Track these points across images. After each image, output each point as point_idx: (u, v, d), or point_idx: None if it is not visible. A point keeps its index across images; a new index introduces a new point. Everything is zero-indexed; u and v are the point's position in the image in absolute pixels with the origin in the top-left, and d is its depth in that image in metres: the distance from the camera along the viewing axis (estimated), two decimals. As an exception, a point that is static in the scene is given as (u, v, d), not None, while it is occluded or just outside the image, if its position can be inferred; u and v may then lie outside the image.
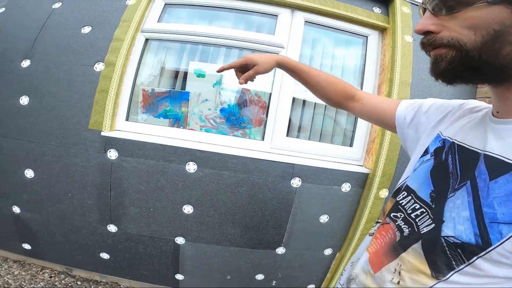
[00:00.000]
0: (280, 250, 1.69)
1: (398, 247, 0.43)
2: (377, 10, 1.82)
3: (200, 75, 1.78)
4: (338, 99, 0.77)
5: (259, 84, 1.78)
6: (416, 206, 0.44)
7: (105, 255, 1.70)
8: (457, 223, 0.36)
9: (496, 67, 0.36)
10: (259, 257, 1.70)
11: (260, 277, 1.75)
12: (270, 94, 1.73)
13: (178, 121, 1.74)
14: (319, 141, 1.81)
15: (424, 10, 0.42)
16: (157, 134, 1.63)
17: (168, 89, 1.76)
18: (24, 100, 1.62)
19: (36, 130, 1.60)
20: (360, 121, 1.77)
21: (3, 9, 1.85)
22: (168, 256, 1.67)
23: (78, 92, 1.59)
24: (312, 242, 1.71)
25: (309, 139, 1.80)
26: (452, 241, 0.35)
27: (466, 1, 0.36)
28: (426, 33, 0.40)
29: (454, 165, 0.43)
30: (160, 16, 1.79)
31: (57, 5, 1.78)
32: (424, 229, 0.40)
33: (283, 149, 1.67)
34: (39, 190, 1.63)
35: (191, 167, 1.55)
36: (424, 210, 0.42)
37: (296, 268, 1.77)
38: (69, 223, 1.65)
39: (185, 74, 1.80)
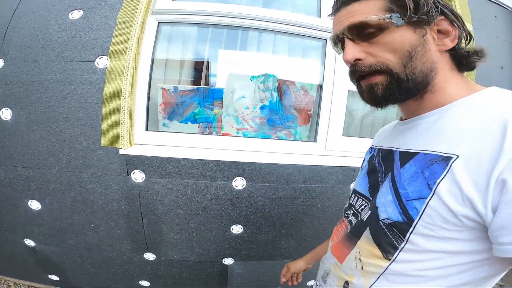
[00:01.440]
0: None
1: (353, 236, 0.48)
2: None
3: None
4: None
5: (307, 75, 1.42)
6: (360, 201, 0.51)
7: (145, 283, 1.46)
8: (386, 206, 0.41)
9: (415, 85, 0.41)
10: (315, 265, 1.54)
11: (311, 283, 1.62)
12: (321, 86, 1.39)
13: (210, 125, 1.38)
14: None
15: (338, 41, 0.46)
16: (190, 145, 1.29)
17: (196, 86, 1.37)
18: (6, 114, 1.20)
19: (31, 152, 1.21)
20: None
21: None
22: (215, 277, 1.46)
23: (78, 97, 1.17)
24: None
25: (370, 137, 1.52)
26: (387, 222, 0.40)
27: (381, 27, 0.40)
28: (355, 61, 0.43)
29: (379, 164, 0.50)
30: (172, -11, 1.31)
31: None
32: (364, 216, 0.46)
33: (341, 150, 1.39)
34: (51, 222, 1.30)
35: (239, 183, 1.26)
36: (365, 203, 0.49)
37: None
38: (97, 253, 1.36)
39: (211, 65, 1.40)
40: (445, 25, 0.42)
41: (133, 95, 1.22)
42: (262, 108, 1.38)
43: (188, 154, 1.21)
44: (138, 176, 1.22)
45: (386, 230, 0.40)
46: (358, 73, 0.43)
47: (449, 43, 0.42)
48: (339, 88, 1.35)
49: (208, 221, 1.29)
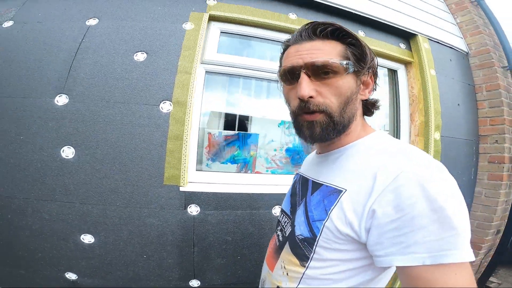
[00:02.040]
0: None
1: (278, 249, 0.57)
2: (402, 45, 2.02)
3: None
4: None
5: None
6: (285, 219, 0.61)
7: (183, 311, 1.55)
8: (300, 225, 0.50)
9: (342, 127, 0.48)
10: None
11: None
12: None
13: (247, 165, 1.63)
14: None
15: (290, 73, 0.49)
16: (234, 182, 1.52)
17: (237, 132, 1.62)
18: (67, 152, 1.27)
19: (92, 190, 1.28)
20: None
21: (11, 23, 1.35)
22: (250, 297, 1.63)
23: (145, 140, 1.32)
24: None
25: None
26: (301, 238, 0.49)
27: (338, 71, 0.46)
28: (308, 98, 0.47)
29: (299, 188, 0.60)
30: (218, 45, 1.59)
31: (92, 22, 1.39)
32: (287, 232, 0.56)
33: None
34: (103, 255, 1.34)
35: (277, 210, 1.51)
36: (288, 221, 0.58)
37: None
38: (144, 284, 1.42)
39: (247, 111, 1.68)
40: (369, 77, 0.51)
41: (189, 139, 1.42)
42: (287, 150, 1.70)
43: (234, 189, 1.43)
44: (193, 209, 1.38)
45: (299, 243, 0.49)
46: (306, 109, 0.47)
47: (367, 94, 0.52)
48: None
49: (252, 244, 1.50)
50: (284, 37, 1.80)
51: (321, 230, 0.45)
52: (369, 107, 0.55)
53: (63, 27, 1.38)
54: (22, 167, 1.24)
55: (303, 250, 0.48)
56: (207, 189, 1.40)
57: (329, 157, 0.54)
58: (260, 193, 1.46)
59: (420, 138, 1.92)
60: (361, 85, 0.50)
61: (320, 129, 0.47)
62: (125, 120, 1.31)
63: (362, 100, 0.53)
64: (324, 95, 0.46)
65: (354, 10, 1.79)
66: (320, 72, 0.46)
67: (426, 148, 1.86)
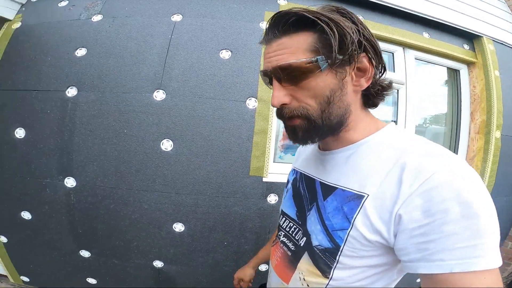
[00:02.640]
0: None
1: (293, 260, 0.51)
2: (466, 46, 1.99)
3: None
4: None
5: (386, 114, 1.84)
6: (290, 224, 0.55)
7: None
8: (317, 234, 0.46)
9: (330, 128, 0.43)
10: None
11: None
12: (395, 122, 1.81)
13: None
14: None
15: (266, 76, 0.45)
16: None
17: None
18: (166, 145, 1.36)
19: (187, 180, 1.37)
20: (461, 144, 2.00)
21: (100, 17, 1.43)
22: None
23: (233, 134, 1.39)
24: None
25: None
26: (320, 248, 0.45)
27: (308, 71, 0.40)
28: (281, 105, 0.44)
29: (304, 190, 0.54)
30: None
31: (177, 18, 1.46)
32: (301, 242, 0.50)
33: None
34: (190, 242, 1.44)
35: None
36: (296, 227, 0.53)
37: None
38: (219, 270, 1.53)
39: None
40: (364, 62, 0.43)
41: (272, 133, 1.48)
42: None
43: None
44: (272, 198, 1.46)
45: (320, 254, 0.45)
46: (282, 115, 0.45)
47: (364, 84, 0.44)
48: (409, 124, 1.79)
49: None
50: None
51: (345, 240, 0.42)
52: (369, 96, 0.47)
53: (151, 22, 1.44)
54: (126, 159, 1.33)
55: (324, 260, 0.45)
56: (283, 179, 1.46)
57: (338, 155, 0.48)
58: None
59: (480, 136, 1.93)
60: (352, 74, 0.43)
61: (302, 133, 0.44)
62: (216, 115, 1.38)
63: (367, 89, 0.46)
64: (299, 99, 0.42)
65: (418, 12, 1.79)
66: (289, 75, 0.41)
67: (486, 145, 1.87)
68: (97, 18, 1.45)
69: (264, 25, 1.51)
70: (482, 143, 1.91)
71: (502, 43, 2.02)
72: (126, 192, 1.34)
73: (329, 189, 0.47)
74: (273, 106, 0.44)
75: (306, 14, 0.39)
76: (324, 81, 0.41)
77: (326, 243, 0.44)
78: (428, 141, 0.42)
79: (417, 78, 1.91)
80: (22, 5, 1.56)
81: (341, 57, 0.40)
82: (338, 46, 0.39)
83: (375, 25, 1.69)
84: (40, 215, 1.37)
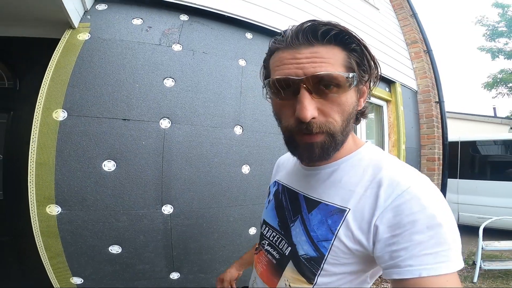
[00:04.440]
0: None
1: (278, 268, 0.55)
2: (387, 89, 3.20)
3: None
4: None
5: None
6: (274, 234, 0.58)
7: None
8: (302, 245, 0.50)
9: (342, 144, 0.46)
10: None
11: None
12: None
13: None
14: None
15: (286, 83, 0.41)
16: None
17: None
18: (245, 169, 1.68)
19: (259, 194, 1.74)
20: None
21: (180, 47, 1.57)
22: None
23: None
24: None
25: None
26: (306, 257, 0.49)
27: (341, 84, 0.40)
28: (314, 119, 0.41)
29: (286, 201, 0.58)
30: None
31: (242, 63, 1.78)
32: (286, 251, 0.53)
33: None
34: (257, 245, 1.80)
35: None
36: (279, 236, 0.56)
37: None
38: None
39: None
40: (365, 85, 0.46)
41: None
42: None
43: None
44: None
45: (305, 262, 0.49)
46: (306, 131, 0.42)
47: (362, 104, 0.48)
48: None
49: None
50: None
51: (329, 249, 0.46)
52: (358, 116, 0.50)
53: (225, 63, 1.69)
54: (217, 182, 1.57)
55: (309, 268, 0.48)
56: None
57: (321, 171, 0.52)
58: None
59: (394, 148, 3.16)
60: (357, 95, 0.45)
61: (320, 150, 0.43)
62: (276, 145, 1.82)
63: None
64: (327, 114, 0.41)
65: None
66: (322, 86, 0.40)
67: (398, 154, 3.10)
68: (177, 47, 1.56)
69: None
70: (396, 153, 3.14)
71: (404, 86, 3.32)
72: (217, 210, 1.58)
73: (313, 203, 0.50)
74: (304, 120, 0.40)
75: (347, 29, 0.41)
76: (351, 98, 0.43)
77: (311, 252, 0.48)
78: (399, 161, 0.48)
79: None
80: (85, 12, 1.41)
81: (365, 77, 0.43)
82: (364, 66, 0.42)
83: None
84: (133, 246, 1.39)
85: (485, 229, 2.76)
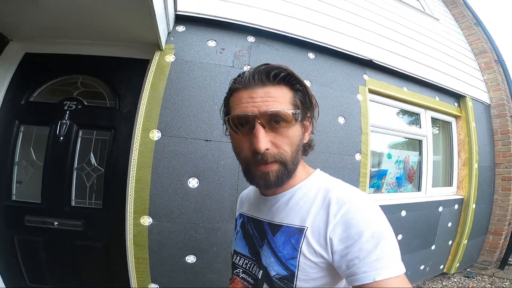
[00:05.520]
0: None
1: None
2: (456, 104, 2.93)
3: (389, 156, 2.42)
4: None
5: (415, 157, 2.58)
6: (246, 261, 0.62)
7: None
8: (273, 266, 0.53)
9: (293, 172, 0.52)
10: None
11: None
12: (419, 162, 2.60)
13: (377, 188, 2.32)
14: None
15: (243, 120, 0.48)
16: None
17: (378, 169, 2.35)
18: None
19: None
20: (454, 172, 2.91)
21: (249, 68, 1.64)
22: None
23: (347, 177, 1.83)
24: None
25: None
26: (278, 277, 0.52)
27: (289, 120, 0.48)
28: (267, 150, 0.48)
29: (252, 230, 0.62)
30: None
31: (307, 83, 1.80)
32: (258, 275, 0.57)
33: (432, 194, 2.62)
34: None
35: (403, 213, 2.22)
36: (251, 262, 0.60)
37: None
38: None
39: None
40: (308, 121, 0.54)
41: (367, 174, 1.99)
42: (396, 178, 2.43)
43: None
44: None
45: (279, 282, 0.52)
46: (261, 161, 0.48)
47: (307, 137, 0.56)
48: (429, 162, 2.58)
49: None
50: (399, 105, 2.50)
51: (297, 266, 0.49)
52: (306, 148, 0.58)
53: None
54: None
55: (283, 287, 0.51)
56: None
57: (280, 199, 0.56)
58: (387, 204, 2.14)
59: (465, 167, 2.87)
60: (303, 130, 0.53)
61: (275, 178, 0.49)
62: (339, 165, 1.80)
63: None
64: (279, 146, 0.48)
65: (432, 81, 2.58)
66: (273, 122, 0.47)
67: (469, 174, 2.80)
68: (247, 69, 1.65)
69: (360, 97, 2.00)
70: (466, 172, 2.85)
71: (476, 100, 3.01)
72: None
73: (276, 227, 0.55)
74: (259, 151, 0.46)
75: (293, 72, 0.50)
76: (298, 131, 0.50)
77: (282, 271, 0.51)
78: (344, 183, 0.54)
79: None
80: (168, 33, 1.56)
81: (308, 113, 0.52)
82: (306, 103, 0.51)
83: (400, 90, 2.38)
84: (206, 256, 1.49)
85: None
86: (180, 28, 1.61)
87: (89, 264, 1.54)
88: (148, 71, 1.48)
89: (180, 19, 1.59)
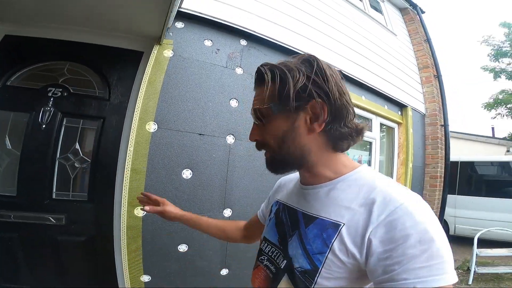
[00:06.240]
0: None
1: (273, 281, 0.58)
2: (399, 113, 3.52)
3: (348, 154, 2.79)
4: (235, 238, 0.94)
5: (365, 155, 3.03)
6: (273, 249, 0.62)
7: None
8: (298, 258, 0.52)
9: (291, 162, 0.54)
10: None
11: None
12: (369, 161, 3.04)
13: None
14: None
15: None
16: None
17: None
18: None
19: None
20: (394, 170, 3.48)
21: (241, 70, 1.82)
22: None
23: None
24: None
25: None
26: (300, 270, 0.51)
27: (266, 115, 0.53)
28: (255, 140, 0.57)
29: (286, 218, 0.62)
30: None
31: None
32: (281, 264, 0.56)
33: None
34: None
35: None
36: (278, 251, 0.59)
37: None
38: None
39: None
40: (316, 108, 0.50)
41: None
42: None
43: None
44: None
45: (300, 275, 0.51)
46: (258, 148, 0.57)
47: (317, 128, 0.51)
48: (377, 161, 3.07)
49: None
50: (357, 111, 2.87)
51: (323, 262, 0.48)
52: (337, 141, 0.53)
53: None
54: (267, 191, 1.78)
55: (303, 281, 0.50)
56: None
57: (318, 189, 0.56)
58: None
59: (403, 167, 3.48)
60: (307, 119, 0.51)
61: (269, 163, 0.56)
62: None
63: (324, 133, 0.52)
64: (263, 137, 0.55)
65: (383, 91, 3.09)
66: (257, 117, 0.54)
67: (405, 172, 3.41)
68: (239, 71, 1.80)
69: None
70: (403, 171, 3.45)
71: (414, 109, 3.65)
72: None
73: (310, 219, 0.54)
74: (250, 140, 0.58)
75: (261, 69, 0.54)
76: (277, 124, 0.52)
77: (306, 265, 0.50)
78: (392, 180, 0.54)
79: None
80: (167, 28, 1.56)
81: (284, 103, 0.50)
82: (283, 95, 0.49)
83: (359, 98, 2.78)
84: (197, 244, 1.59)
85: (478, 240, 3.25)
86: (179, 25, 1.65)
87: (73, 260, 1.49)
88: (146, 64, 1.51)
89: (180, 15, 1.63)
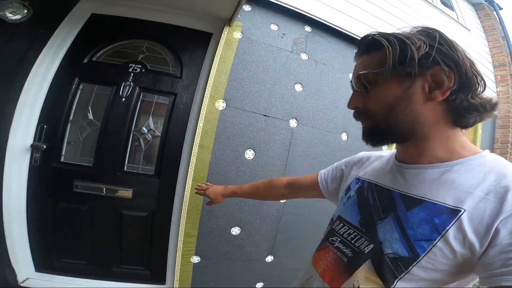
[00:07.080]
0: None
1: (350, 266, 0.51)
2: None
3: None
4: (280, 195, 0.95)
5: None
6: (350, 231, 0.56)
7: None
8: (392, 243, 0.47)
9: (397, 133, 0.50)
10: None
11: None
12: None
13: None
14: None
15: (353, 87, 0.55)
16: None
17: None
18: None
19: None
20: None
21: (306, 56, 1.78)
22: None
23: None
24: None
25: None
26: (392, 257, 0.46)
27: (373, 80, 0.50)
28: (353, 108, 0.55)
29: (373, 199, 0.56)
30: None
31: (351, 77, 1.93)
32: (366, 249, 0.50)
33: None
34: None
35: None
36: (357, 233, 0.54)
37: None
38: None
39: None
40: (440, 75, 0.45)
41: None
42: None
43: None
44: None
45: (390, 262, 0.46)
46: (356, 117, 0.55)
47: (439, 96, 0.46)
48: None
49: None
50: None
51: (427, 250, 0.43)
52: (463, 113, 0.48)
53: (339, 76, 1.86)
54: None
55: (392, 269, 0.46)
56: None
57: (428, 170, 0.50)
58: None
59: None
60: (425, 86, 0.46)
61: (368, 133, 0.53)
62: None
63: (445, 105, 0.47)
64: (367, 104, 0.51)
65: None
66: (361, 84, 0.51)
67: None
68: (304, 56, 1.77)
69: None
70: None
71: None
72: (319, 202, 1.71)
73: (413, 201, 0.49)
74: (348, 108, 0.55)
75: (376, 37, 0.50)
76: (387, 90, 0.48)
77: (403, 252, 0.45)
78: None
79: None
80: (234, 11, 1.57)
81: (401, 68, 0.46)
82: (398, 60, 0.46)
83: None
84: (249, 229, 1.59)
85: None
86: (247, 8, 1.68)
87: (131, 236, 1.55)
88: (215, 44, 1.56)
89: (247, -2, 1.67)
